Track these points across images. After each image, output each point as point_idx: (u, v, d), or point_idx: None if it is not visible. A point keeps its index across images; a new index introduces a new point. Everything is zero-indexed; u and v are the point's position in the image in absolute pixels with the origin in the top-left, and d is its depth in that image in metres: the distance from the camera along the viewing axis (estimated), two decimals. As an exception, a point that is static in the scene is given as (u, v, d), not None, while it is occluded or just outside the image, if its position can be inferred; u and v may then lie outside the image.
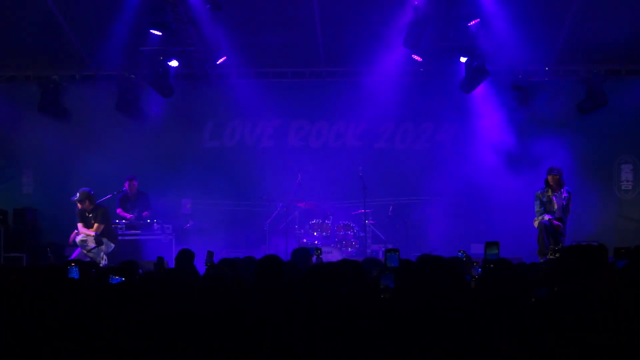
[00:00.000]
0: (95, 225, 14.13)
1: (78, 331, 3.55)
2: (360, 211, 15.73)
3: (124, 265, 8.21)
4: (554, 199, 13.54)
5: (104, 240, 14.15)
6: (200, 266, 9.65)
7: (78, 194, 14.22)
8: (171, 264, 13.62)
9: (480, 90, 16.43)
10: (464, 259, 8.45)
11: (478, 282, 4.52)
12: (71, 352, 3.36)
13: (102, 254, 14.03)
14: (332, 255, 14.40)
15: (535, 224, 13.64)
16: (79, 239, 14.06)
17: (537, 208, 13.64)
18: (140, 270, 8.71)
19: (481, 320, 4.04)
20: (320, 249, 10.59)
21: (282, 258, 7.04)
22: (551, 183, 13.55)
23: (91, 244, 13.97)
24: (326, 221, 15.67)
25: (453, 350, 3.20)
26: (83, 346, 3.38)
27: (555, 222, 13.43)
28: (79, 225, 14.21)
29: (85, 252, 13.95)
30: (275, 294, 5.39)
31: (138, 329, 3.90)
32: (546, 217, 13.42)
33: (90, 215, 14.21)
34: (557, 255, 12.42)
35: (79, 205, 14.21)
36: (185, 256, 9.50)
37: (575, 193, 14.18)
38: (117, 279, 6.40)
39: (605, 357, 3.68)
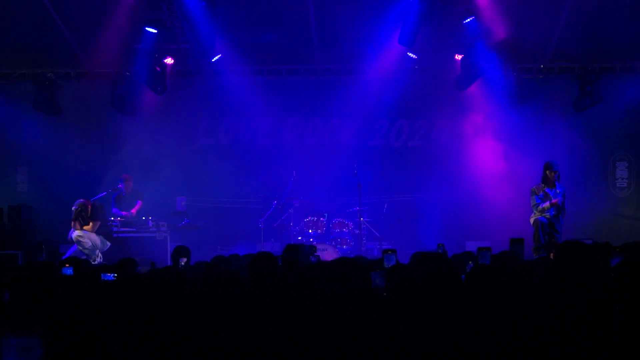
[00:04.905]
0: (91, 223, 14.08)
1: (77, 331, 3.54)
2: (355, 209, 15.72)
3: (122, 263, 8.21)
4: (550, 193, 13.54)
5: (100, 238, 14.11)
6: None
7: (77, 206, 14.16)
8: (167, 261, 13.67)
9: (475, 88, 16.45)
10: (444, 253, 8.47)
11: (471, 285, 4.52)
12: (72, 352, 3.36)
13: (97, 251, 14.00)
14: (326, 252, 14.39)
15: (531, 220, 13.65)
16: (75, 235, 13.98)
17: (533, 202, 13.64)
18: (139, 268, 8.73)
19: (477, 319, 4.05)
20: (315, 247, 10.62)
21: (277, 256, 7.05)
22: (550, 178, 13.54)
23: (87, 240, 13.92)
24: (321, 219, 15.66)
25: (451, 349, 3.20)
26: (83, 345, 3.38)
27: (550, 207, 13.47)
28: (75, 223, 14.15)
29: (81, 248, 13.91)
30: (269, 290, 5.39)
31: (136, 328, 3.90)
32: (546, 215, 13.43)
33: (85, 214, 14.16)
34: (551, 253, 12.42)
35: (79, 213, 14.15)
36: (182, 253, 9.49)
37: (570, 190, 14.19)
38: (109, 275, 6.40)
39: (602, 356, 3.68)
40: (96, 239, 14.04)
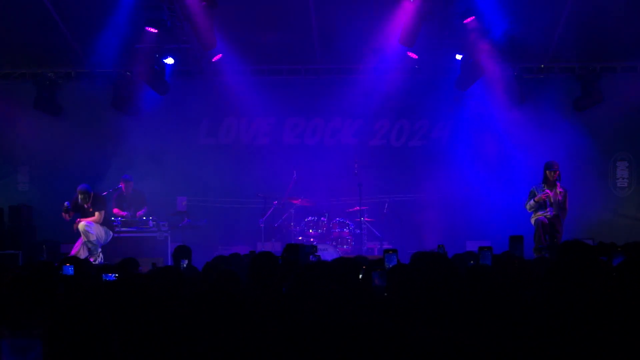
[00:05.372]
0: (97, 214, 14.10)
1: (77, 331, 3.54)
2: (355, 208, 15.71)
3: (123, 263, 8.20)
4: (550, 194, 13.53)
5: (104, 229, 14.13)
6: (197, 264, 9.63)
7: (79, 193, 14.19)
8: (168, 261, 13.69)
9: (476, 88, 16.44)
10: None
11: (471, 285, 4.51)
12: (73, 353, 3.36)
13: (99, 249, 13.98)
14: (327, 252, 14.39)
15: (532, 220, 13.65)
16: (82, 225, 13.94)
17: (528, 202, 13.65)
18: (140, 268, 8.74)
19: (478, 319, 4.05)
20: (316, 247, 10.62)
21: (278, 256, 7.04)
22: (550, 179, 13.54)
23: (93, 232, 13.90)
24: (322, 218, 15.66)
25: (451, 349, 3.19)
26: (83, 346, 3.38)
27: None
28: (66, 215, 14.15)
29: (85, 240, 13.86)
30: (269, 290, 5.39)
31: (137, 328, 3.90)
32: (547, 214, 13.43)
33: (87, 205, 14.17)
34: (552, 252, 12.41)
35: (80, 199, 14.17)
36: (183, 252, 9.49)
37: (571, 190, 14.18)
38: (110, 275, 6.40)
39: (602, 356, 3.68)
40: (101, 230, 14.07)
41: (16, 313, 4.61)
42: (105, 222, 14.24)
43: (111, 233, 14.31)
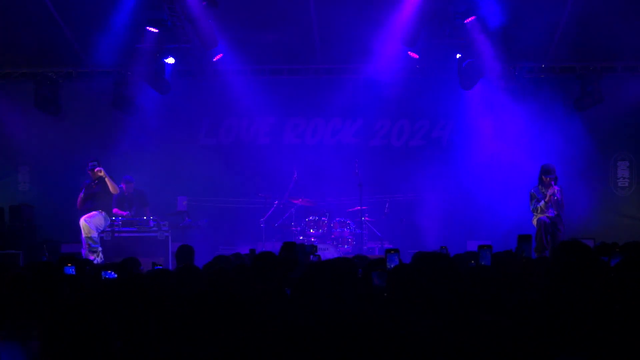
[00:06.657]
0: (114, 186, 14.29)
1: (76, 331, 3.54)
2: (356, 208, 15.72)
3: (125, 262, 8.21)
4: (556, 189, 13.56)
5: (103, 215, 14.15)
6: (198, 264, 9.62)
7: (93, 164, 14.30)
8: (169, 260, 13.70)
9: (476, 87, 16.44)
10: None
11: (472, 284, 4.51)
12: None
13: (99, 248, 13.98)
14: (328, 252, 14.40)
15: (534, 221, 13.66)
16: (82, 221, 13.97)
17: (532, 206, 13.68)
18: (142, 268, 8.74)
19: (478, 319, 4.04)
20: (316, 247, 10.63)
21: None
22: (546, 182, 13.56)
23: (94, 227, 13.92)
24: (322, 218, 15.66)
25: (451, 349, 3.19)
26: (81, 346, 3.38)
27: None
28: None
29: (86, 235, 13.87)
30: (270, 289, 5.39)
31: (137, 328, 3.91)
32: (548, 215, 13.45)
33: (95, 183, 14.27)
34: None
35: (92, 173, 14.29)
36: (186, 252, 9.50)
37: (572, 190, 14.18)
38: (110, 273, 6.40)
39: (603, 356, 3.68)
40: (100, 219, 14.10)
41: (16, 313, 4.62)
42: (105, 207, 14.27)
43: (109, 218, 14.36)
